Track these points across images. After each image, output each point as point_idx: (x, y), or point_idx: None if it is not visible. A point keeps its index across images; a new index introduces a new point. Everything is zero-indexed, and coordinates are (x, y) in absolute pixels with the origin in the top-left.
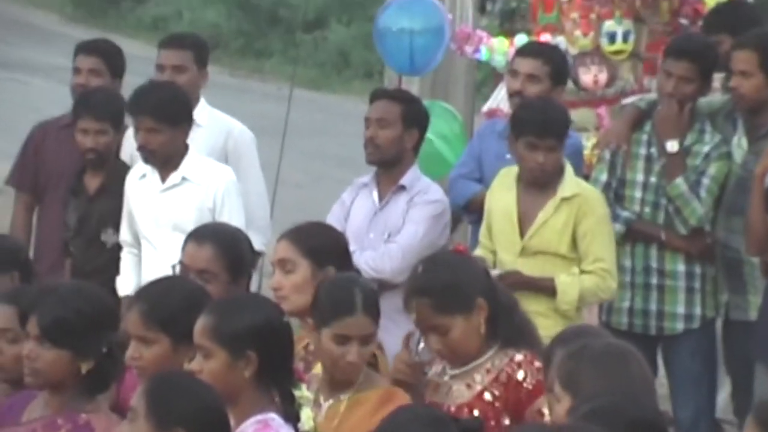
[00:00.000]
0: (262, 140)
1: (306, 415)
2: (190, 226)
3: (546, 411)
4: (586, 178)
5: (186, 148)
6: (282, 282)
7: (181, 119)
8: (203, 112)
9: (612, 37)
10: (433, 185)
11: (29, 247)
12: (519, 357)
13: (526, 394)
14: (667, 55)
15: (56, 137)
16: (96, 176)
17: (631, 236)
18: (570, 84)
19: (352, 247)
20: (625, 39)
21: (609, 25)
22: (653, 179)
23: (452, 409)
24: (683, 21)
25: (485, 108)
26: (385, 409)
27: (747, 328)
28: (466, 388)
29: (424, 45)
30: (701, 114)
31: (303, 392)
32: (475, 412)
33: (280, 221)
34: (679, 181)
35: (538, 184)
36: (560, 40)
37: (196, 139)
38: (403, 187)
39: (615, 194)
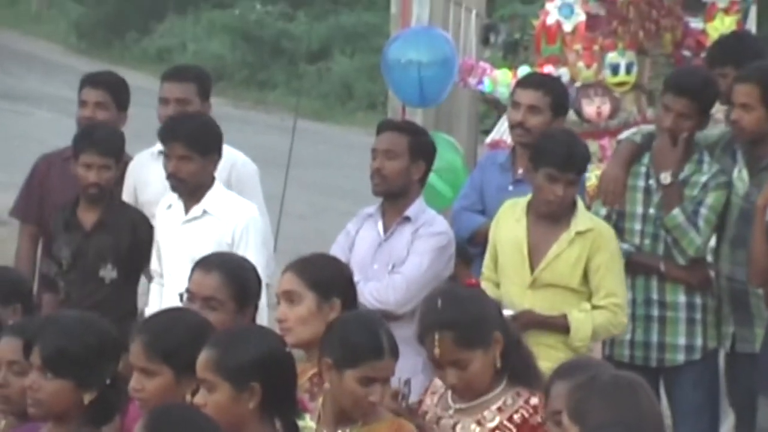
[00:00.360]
0: (265, 172)
1: None
2: None
3: None
4: (587, 209)
5: (212, 180)
6: (287, 314)
7: (212, 150)
8: None
9: (615, 69)
10: (438, 217)
11: (33, 278)
12: (534, 400)
13: None
14: (666, 89)
15: (61, 169)
16: (92, 211)
17: (631, 268)
18: (573, 115)
19: (356, 278)
20: (628, 71)
21: (612, 56)
22: (652, 211)
23: None
24: (686, 53)
25: (488, 140)
26: None
27: (753, 361)
28: (477, 425)
29: (432, 77)
30: (699, 145)
31: (307, 422)
32: None
33: (284, 253)
34: (676, 212)
35: (551, 217)
36: (563, 72)
37: None
38: (408, 219)
39: (615, 227)
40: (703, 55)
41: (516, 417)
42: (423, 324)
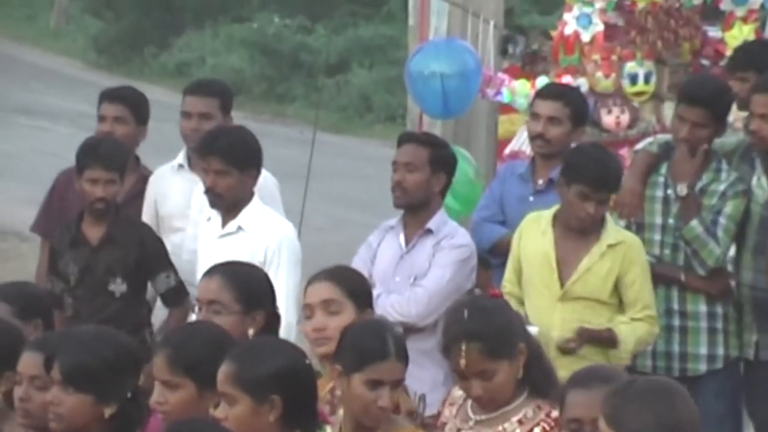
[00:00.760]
0: (284, 184)
1: None
2: None
3: None
4: None
5: (251, 196)
6: (326, 323)
7: (250, 165)
8: None
9: (633, 79)
10: (460, 229)
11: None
12: (555, 414)
13: None
14: (680, 99)
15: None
16: (98, 226)
17: (652, 279)
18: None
19: (378, 290)
20: (646, 80)
21: (630, 66)
22: (671, 221)
23: None
24: (704, 62)
25: (507, 150)
26: None
27: None
28: None
29: (456, 88)
30: (716, 153)
31: None
32: None
33: (303, 265)
34: (694, 223)
35: (581, 231)
36: (582, 82)
37: None
38: (429, 231)
39: None
40: (722, 63)
41: (537, 430)
42: (449, 335)
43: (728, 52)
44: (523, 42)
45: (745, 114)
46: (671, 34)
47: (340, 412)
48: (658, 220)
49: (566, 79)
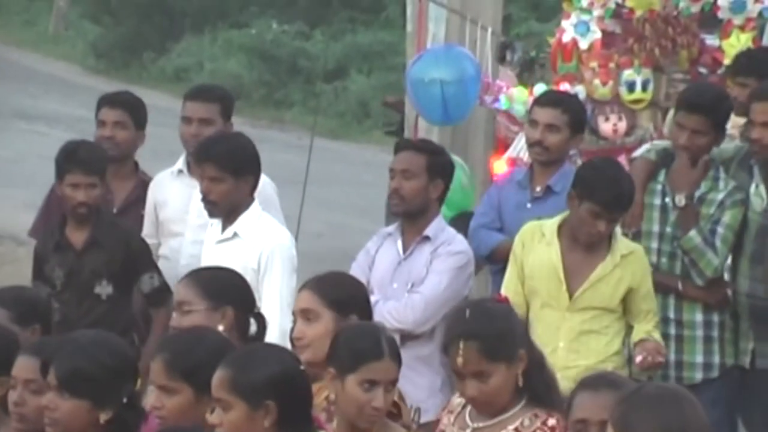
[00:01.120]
0: (282, 190)
1: None
2: None
3: None
4: None
5: (250, 202)
6: (304, 331)
7: (246, 171)
8: None
9: (631, 86)
10: (458, 236)
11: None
12: (552, 422)
13: None
14: (678, 107)
15: None
16: (81, 230)
17: None
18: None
19: (375, 297)
20: (644, 88)
21: (628, 74)
22: (669, 229)
23: None
24: (702, 70)
25: (505, 157)
26: None
27: None
28: None
29: (456, 95)
30: (714, 161)
31: None
32: None
33: (300, 271)
34: (693, 233)
35: (589, 245)
36: (579, 89)
37: None
38: (427, 238)
39: None
40: (720, 71)
41: None
42: (449, 333)
43: (726, 61)
44: (520, 49)
45: (739, 121)
46: (669, 42)
47: (335, 421)
48: (656, 228)
49: (564, 87)
